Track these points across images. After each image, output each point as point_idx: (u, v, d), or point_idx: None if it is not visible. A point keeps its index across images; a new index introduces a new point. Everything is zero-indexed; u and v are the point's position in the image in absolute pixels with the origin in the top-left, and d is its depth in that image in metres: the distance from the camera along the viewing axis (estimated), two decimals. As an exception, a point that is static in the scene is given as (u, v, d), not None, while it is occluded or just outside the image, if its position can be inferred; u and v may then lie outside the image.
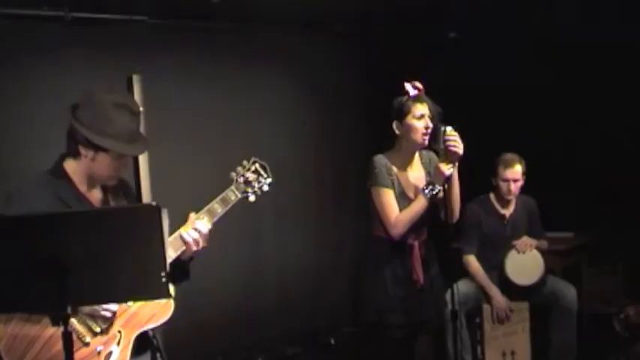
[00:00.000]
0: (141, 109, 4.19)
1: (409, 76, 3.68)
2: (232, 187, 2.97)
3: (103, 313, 2.61)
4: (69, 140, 2.65)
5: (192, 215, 2.87)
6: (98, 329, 2.61)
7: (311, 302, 5.97)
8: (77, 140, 2.61)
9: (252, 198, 3.01)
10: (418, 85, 3.64)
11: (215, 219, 2.90)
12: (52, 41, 4.63)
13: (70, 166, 2.67)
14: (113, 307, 2.63)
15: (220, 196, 2.93)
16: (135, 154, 2.89)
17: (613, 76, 5.68)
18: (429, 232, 3.80)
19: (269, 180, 3.06)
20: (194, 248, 2.81)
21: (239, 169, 3.02)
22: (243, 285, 5.69)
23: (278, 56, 5.81)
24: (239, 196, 2.97)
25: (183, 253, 2.82)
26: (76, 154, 2.64)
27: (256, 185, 3.02)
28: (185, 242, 2.79)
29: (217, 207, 2.90)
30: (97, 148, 2.60)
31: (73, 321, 2.55)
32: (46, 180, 2.64)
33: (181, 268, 2.87)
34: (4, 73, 4.45)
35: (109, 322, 2.64)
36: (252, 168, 3.03)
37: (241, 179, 3.00)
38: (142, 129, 2.80)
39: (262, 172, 3.05)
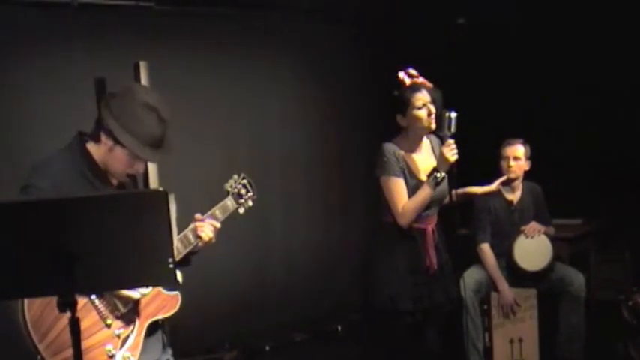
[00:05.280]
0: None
1: (404, 64, 3.67)
2: (229, 197, 3.09)
3: (130, 294, 2.63)
4: (95, 124, 2.65)
5: (198, 216, 2.92)
6: (119, 312, 2.64)
7: (318, 289, 5.99)
8: (102, 126, 2.61)
9: (241, 210, 3.15)
10: (412, 72, 3.62)
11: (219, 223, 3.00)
12: (59, 27, 4.64)
13: (92, 148, 2.67)
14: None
15: (220, 204, 3.03)
16: (150, 160, 2.81)
17: (626, 63, 5.64)
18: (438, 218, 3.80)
19: (255, 197, 3.20)
20: (207, 239, 2.90)
21: (231, 182, 3.13)
22: (251, 272, 5.70)
23: (285, 43, 5.80)
24: (235, 205, 3.11)
25: (195, 245, 2.89)
26: (97, 140, 2.65)
27: (245, 199, 3.16)
28: (200, 238, 2.87)
29: (218, 213, 3.00)
30: (117, 141, 2.59)
31: (97, 301, 2.58)
32: (71, 157, 2.64)
33: (185, 259, 2.93)
34: (11, 59, 4.46)
35: (129, 306, 2.67)
36: (242, 182, 3.17)
37: (235, 191, 3.12)
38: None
39: (249, 188, 3.19)
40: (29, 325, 2.43)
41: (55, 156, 2.66)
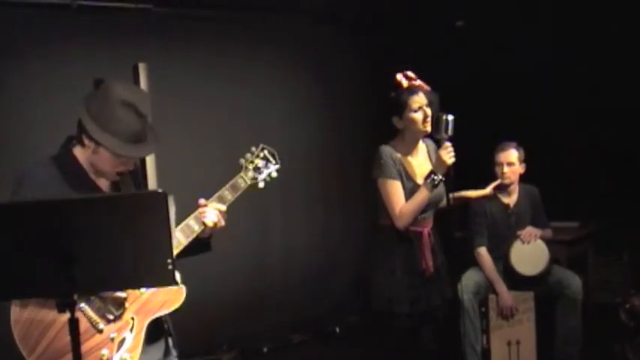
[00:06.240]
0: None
1: (403, 67, 3.68)
2: (242, 174, 2.93)
3: (117, 294, 2.59)
4: (77, 126, 2.61)
5: (202, 201, 2.82)
6: (111, 316, 2.59)
7: (316, 291, 5.99)
8: (82, 129, 2.58)
9: (261, 184, 2.98)
10: (410, 74, 3.63)
11: (225, 206, 2.87)
12: (58, 29, 4.65)
13: (78, 152, 2.64)
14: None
15: (230, 183, 2.89)
16: (132, 155, 2.66)
17: (622, 64, 5.65)
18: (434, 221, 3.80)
19: (277, 166, 3.02)
20: (212, 225, 2.79)
21: (248, 155, 2.98)
22: (250, 273, 5.70)
23: (283, 44, 5.81)
24: (248, 182, 2.94)
25: (202, 231, 2.79)
26: (82, 142, 2.61)
27: (265, 172, 2.99)
28: (205, 224, 2.77)
29: (227, 194, 2.86)
30: (98, 143, 2.55)
31: (87, 308, 2.54)
32: (56, 165, 2.61)
33: (203, 244, 2.87)
34: (11, 59, 4.47)
35: (122, 308, 2.62)
36: (261, 155, 3.01)
37: (250, 166, 2.96)
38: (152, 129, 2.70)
39: (271, 159, 3.02)
40: (17, 340, 2.43)
41: (39, 166, 2.62)
